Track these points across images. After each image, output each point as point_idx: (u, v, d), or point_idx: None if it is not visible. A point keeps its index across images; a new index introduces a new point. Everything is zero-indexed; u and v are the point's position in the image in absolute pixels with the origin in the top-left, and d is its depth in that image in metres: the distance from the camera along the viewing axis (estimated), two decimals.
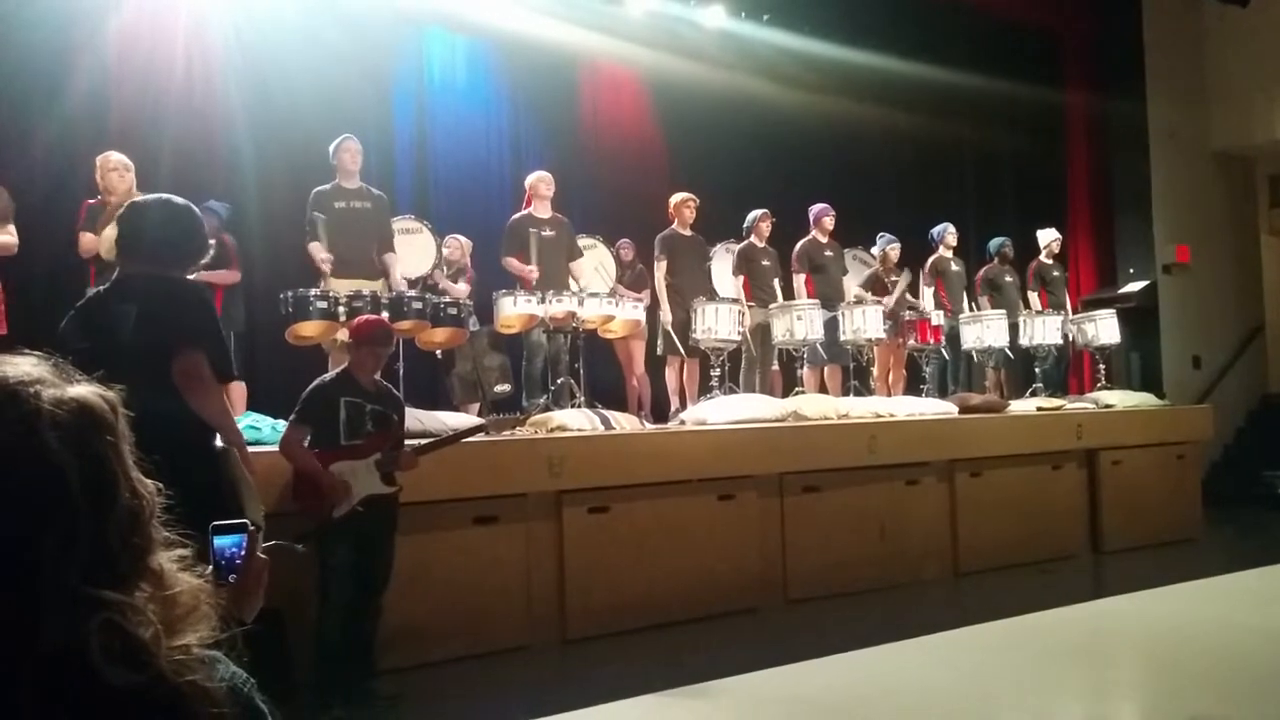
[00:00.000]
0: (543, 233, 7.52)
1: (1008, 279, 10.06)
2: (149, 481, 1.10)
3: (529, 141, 10.03)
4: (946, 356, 9.53)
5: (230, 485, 3.48)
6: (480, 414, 7.28)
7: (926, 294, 9.70)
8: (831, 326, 8.42)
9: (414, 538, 4.96)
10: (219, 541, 1.45)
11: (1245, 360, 13.49)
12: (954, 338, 9.43)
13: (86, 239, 6.12)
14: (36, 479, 0.99)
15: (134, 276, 3.55)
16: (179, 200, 3.65)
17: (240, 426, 5.36)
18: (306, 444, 4.51)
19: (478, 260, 8.34)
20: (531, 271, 7.26)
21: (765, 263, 8.63)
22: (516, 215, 7.66)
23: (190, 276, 3.81)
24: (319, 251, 6.59)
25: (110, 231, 6.00)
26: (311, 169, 7.14)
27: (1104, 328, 9.83)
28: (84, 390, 1.07)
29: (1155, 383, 11.70)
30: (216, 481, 3.42)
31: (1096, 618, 6.28)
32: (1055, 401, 9.11)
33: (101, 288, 3.67)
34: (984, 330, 9.27)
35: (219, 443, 3.62)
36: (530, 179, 7.77)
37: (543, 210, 7.64)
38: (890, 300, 8.95)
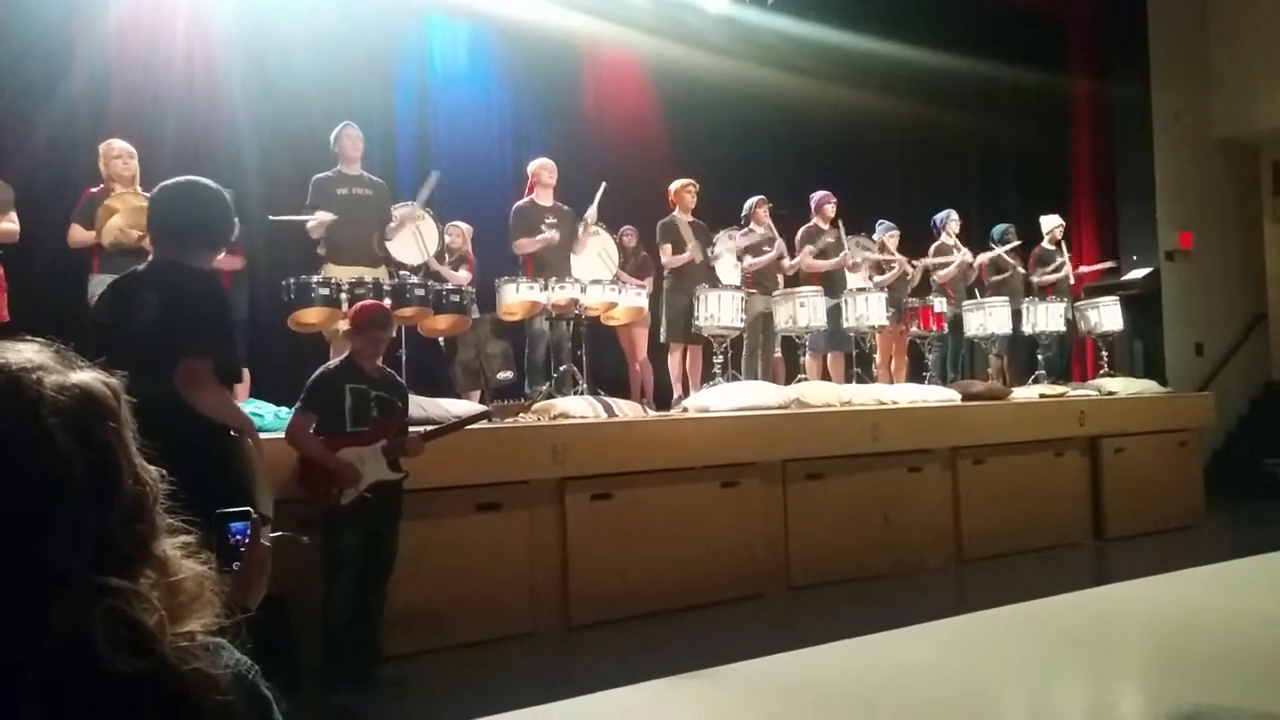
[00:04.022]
0: (546, 220, 7.54)
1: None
2: (152, 468, 1.10)
3: (531, 128, 10.00)
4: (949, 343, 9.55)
5: (240, 474, 3.44)
6: (483, 401, 7.29)
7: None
8: (834, 313, 8.42)
9: (417, 524, 4.96)
10: (223, 529, 1.45)
11: (1248, 347, 13.47)
12: (956, 324, 9.42)
13: (75, 231, 6.09)
14: (40, 466, 0.98)
15: (161, 264, 3.51)
16: (208, 183, 3.59)
17: None
18: (313, 430, 4.51)
19: (479, 247, 8.33)
20: (547, 239, 7.40)
21: (767, 250, 8.62)
22: (521, 202, 7.65)
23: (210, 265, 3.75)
24: (317, 228, 6.62)
25: (116, 221, 6.00)
26: (313, 156, 7.13)
27: (1107, 314, 9.82)
28: (87, 376, 1.07)
29: (1158, 370, 11.69)
30: (227, 469, 3.38)
31: (1099, 605, 6.29)
32: (1058, 388, 9.11)
33: (139, 267, 3.63)
34: (986, 317, 9.26)
35: (232, 431, 3.58)
36: (533, 166, 7.75)
37: (545, 198, 7.64)
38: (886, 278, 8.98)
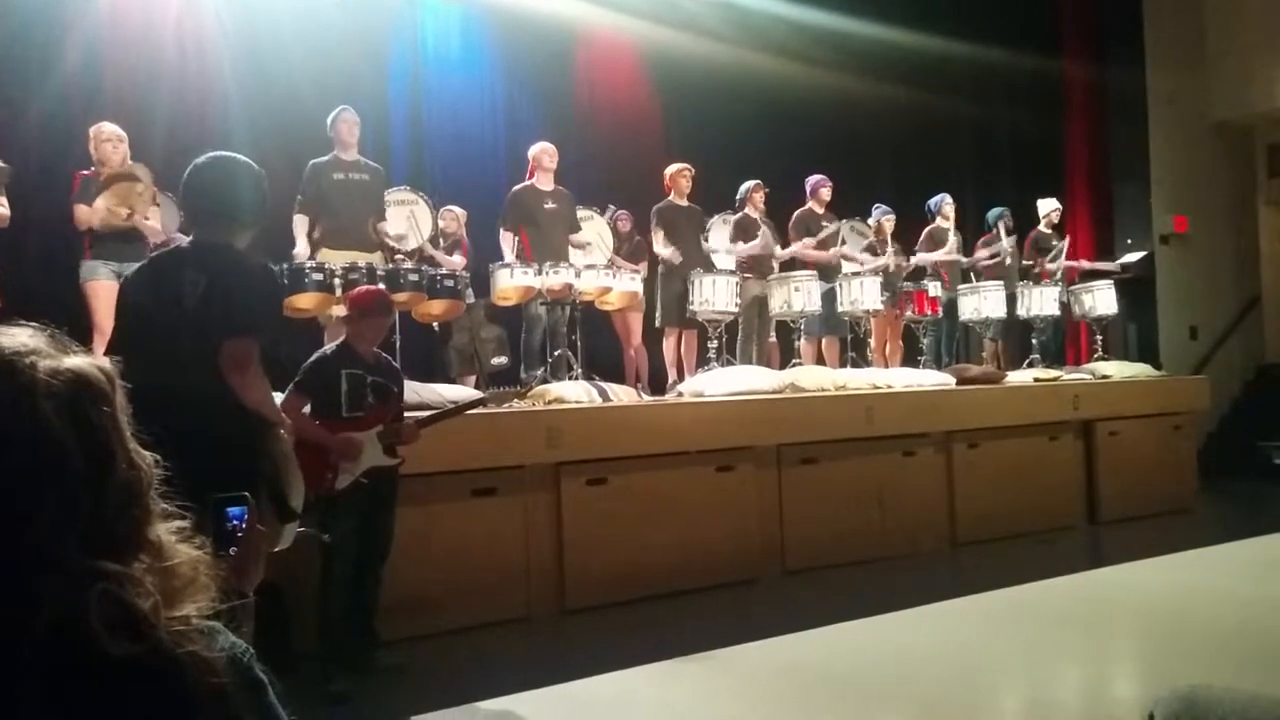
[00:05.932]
0: (545, 205, 7.53)
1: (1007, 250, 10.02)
2: (146, 453, 1.09)
3: (524, 113, 9.96)
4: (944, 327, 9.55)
5: (274, 464, 3.29)
6: (477, 386, 7.29)
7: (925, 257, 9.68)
8: (829, 298, 8.42)
9: (413, 510, 4.97)
10: (220, 514, 1.45)
11: (1242, 331, 13.50)
12: (951, 309, 9.42)
13: (81, 210, 6.10)
14: (33, 450, 0.98)
15: (205, 245, 3.39)
16: (243, 159, 3.49)
17: None
18: (306, 412, 4.47)
19: (473, 232, 8.32)
20: (519, 254, 7.39)
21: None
22: (519, 187, 7.63)
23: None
24: (301, 227, 6.65)
25: (102, 203, 5.99)
26: (306, 141, 7.11)
27: (1101, 298, 9.82)
28: (80, 361, 1.06)
29: (1152, 353, 11.72)
30: (261, 457, 3.26)
31: (1093, 588, 6.30)
32: (1052, 372, 9.11)
33: (181, 245, 3.56)
34: (981, 301, 9.26)
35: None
36: (533, 150, 7.72)
37: (545, 182, 7.62)
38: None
